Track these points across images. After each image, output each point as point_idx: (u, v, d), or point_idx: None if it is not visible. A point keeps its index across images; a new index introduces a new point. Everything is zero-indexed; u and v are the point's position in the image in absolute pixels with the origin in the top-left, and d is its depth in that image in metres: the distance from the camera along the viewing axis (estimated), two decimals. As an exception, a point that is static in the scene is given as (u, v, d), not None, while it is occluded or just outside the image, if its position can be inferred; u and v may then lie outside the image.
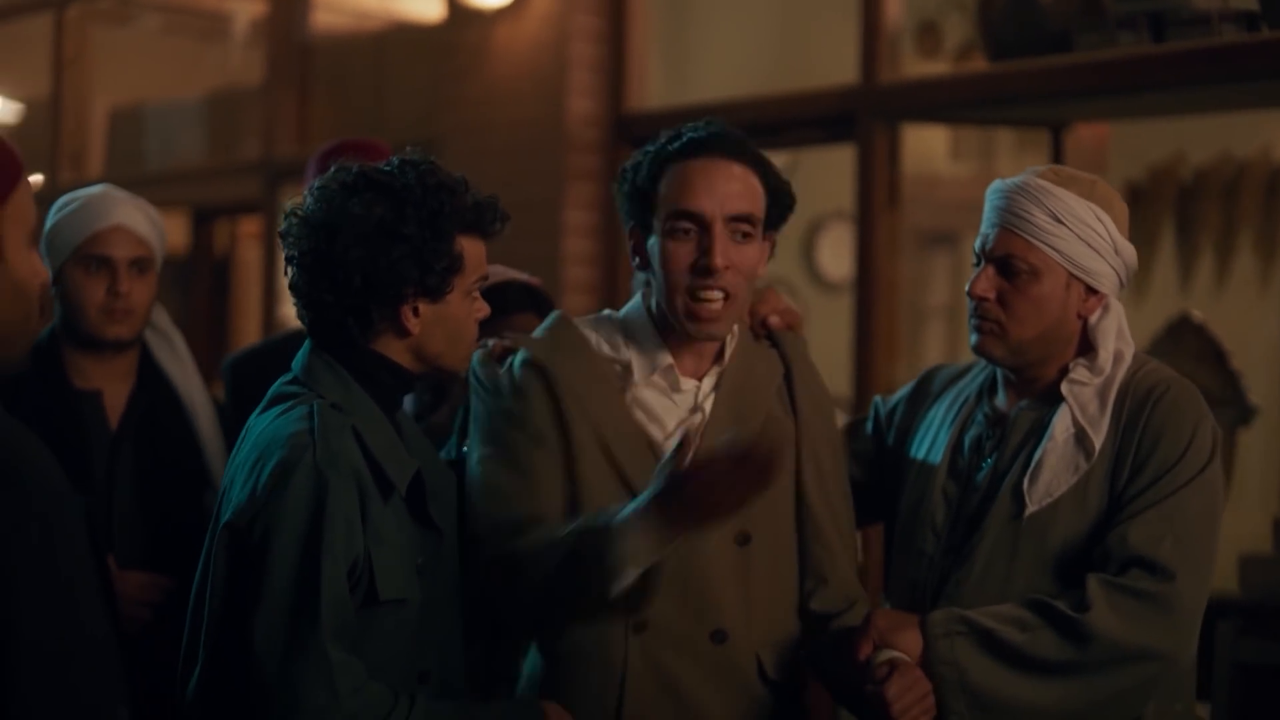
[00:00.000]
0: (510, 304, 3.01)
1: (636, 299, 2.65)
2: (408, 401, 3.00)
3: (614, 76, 5.52)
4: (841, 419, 3.00)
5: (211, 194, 7.71)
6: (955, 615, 2.47)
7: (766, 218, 2.56)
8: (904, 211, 4.91)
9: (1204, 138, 6.12)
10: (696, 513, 2.32)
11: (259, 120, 7.21)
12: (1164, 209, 6.44)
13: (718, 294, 2.51)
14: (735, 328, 2.64)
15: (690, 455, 2.30)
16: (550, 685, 2.56)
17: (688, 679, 2.53)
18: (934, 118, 5.24)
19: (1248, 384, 4.68)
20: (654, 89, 5.66)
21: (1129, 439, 2.52)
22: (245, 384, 3.31)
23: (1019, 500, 2.55)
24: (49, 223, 3.20)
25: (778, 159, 6.64)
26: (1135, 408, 2.53)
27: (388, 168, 2.38)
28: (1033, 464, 2.55)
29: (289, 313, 6.09)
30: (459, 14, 5.79)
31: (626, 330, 2.62)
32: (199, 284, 7.94)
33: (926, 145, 6.50)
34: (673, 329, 2.57)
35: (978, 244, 2.61)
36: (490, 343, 2.65)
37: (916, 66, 6.36)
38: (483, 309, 2.45)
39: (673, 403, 2.59)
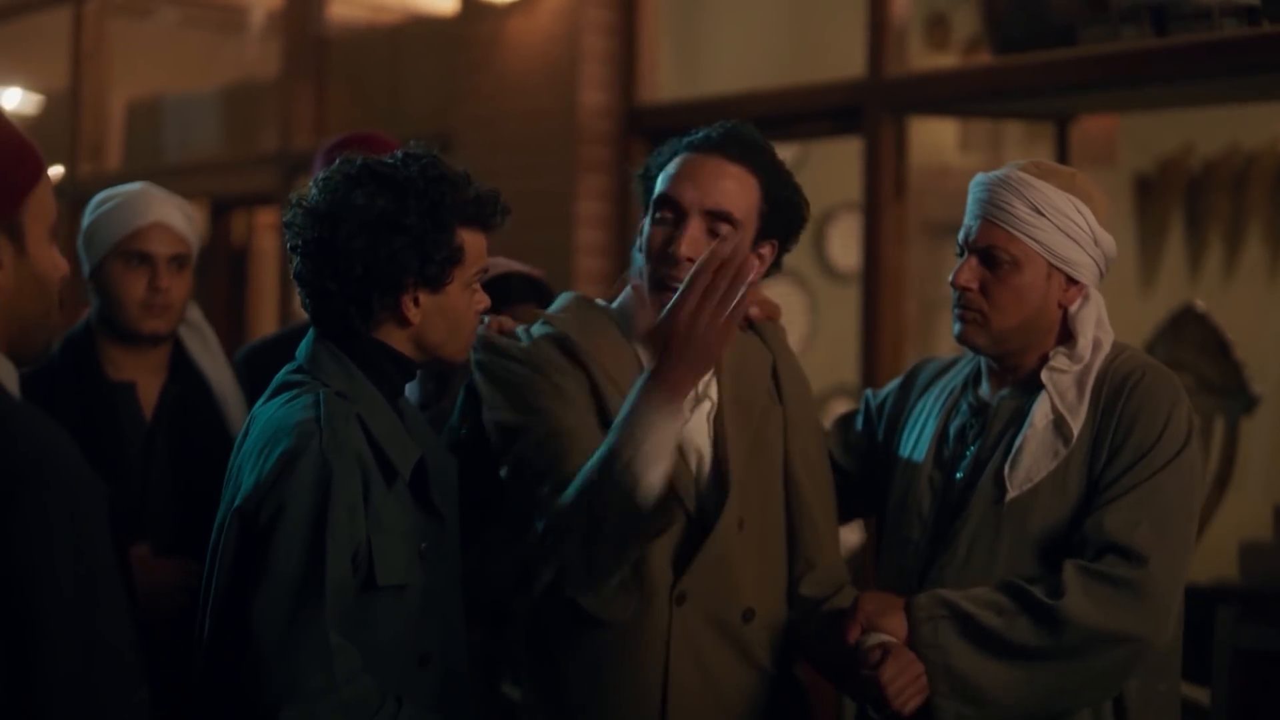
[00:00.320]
0: (512, 295, 3.04)
1: (628, 289, 2.67)
2: (413, 391, 3.05)
3: (625, 69, 5.54)
4: (847, 407, 3.05)
5: (229, 185, 7.73)
6: (938, 598, 2.51)
7: (764, 226, 2.58)
8: (911, 203, 4.94)
9: (1213, 129, 6.12)
10: (693, 348, 2.27)
11: (276, 112, 7.24)
12: (1173, 200, 6.46)
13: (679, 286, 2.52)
14: None
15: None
16: (589, 662, 2.56)
17: (718, 656, 2.58)
18: (940, 110, 5.24)
19: (1251, 373, 4.72)
20: (665, 82, 5.68)
21: (1106, 424, 2.55)
22: (260, 374, 3.35)
23: (1000, 486, 2.58)
24: (87, 219, 3.26)
25: (788, 151, 6.71)
26: (1112, 394, 2.57)
27: (391, 160, 2.42)
28: (1013, 450, 2.59)
29: (305, 303, 6.16)
30: (473, 8, 5.82)
31: (629, 320, 2.65)
32: (216, 274, 7.96)
33: (936, 137, 6.51)
34: None
35: (961, 235, 2.65)
36: (488, 319, 2.67)
37: (926, 59, 6.37)
38: (483, 300, 2.49)
39: None
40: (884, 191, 4.77)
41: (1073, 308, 2.62)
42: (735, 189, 2.56)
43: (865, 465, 2.86)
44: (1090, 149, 5.67)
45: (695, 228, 2.53)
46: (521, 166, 5.55)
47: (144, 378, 3.29)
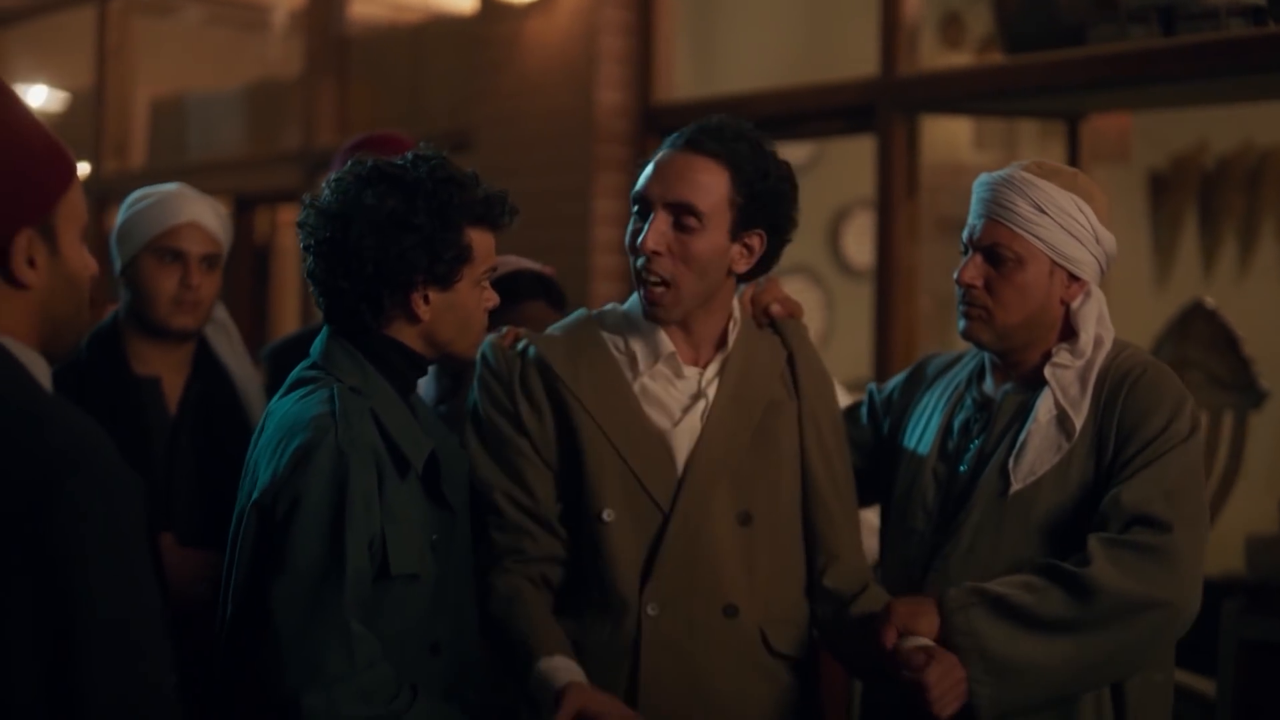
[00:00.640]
0: (521, 292, 3.08)
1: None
2: (430, 388, 3.11)
3: (642, 69, 5.58)
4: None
5: (252, 183, 7.75)
6: (968, 588, 2.53)
7: (741, 217, 2.60)
8: (925, 200, 4.98)
9: (1227, 127, 6.14)
10: None
11: (298, 110, 7.29)
12: (1187, 197, 6.48)
13: (654, 278, 2.59)
14: (737, 316, 2.72)
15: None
16: None
17: (701, 655, 2.61)
18: (951, 109, 5.27)
19: (1259, 369, 4.75)
20: (681, 81, 5.72)
21: (1108, 419, 2.59)
22: (284, 371, 3.41)
23: (1004, 479, 2.62)
24: (121, 215, 3.31)
25: (802, 149, 6.71)
26: (1113, 389, 2.60)
27: (401, 161, 2.46)
28: (1018, 444, 2.62)
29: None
30: (492, 8, 5.85)
31: (630, 321, 2.70)
32: (239, 271, 7.87)
33: (951, 135, 6.55)
34: None
35: (965, 234, 2.68)
36: (505, 329, 2.73)
37: (941, 57, 6.41)
38: (491, 298, 2.53)
39: (676, 390, 2.67)
40: (896, 189, 4.81)
41: (1075, 304, 2.66)
42: (701, 181, 2.58)
43: (869, 456, 2.90)
44: (1104, 146, 5.69)
45: (659, 221, 2.58)
46: (539, 165, 5.60)
47: (169, 373, 3.33)
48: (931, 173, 5.76)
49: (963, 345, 2.79)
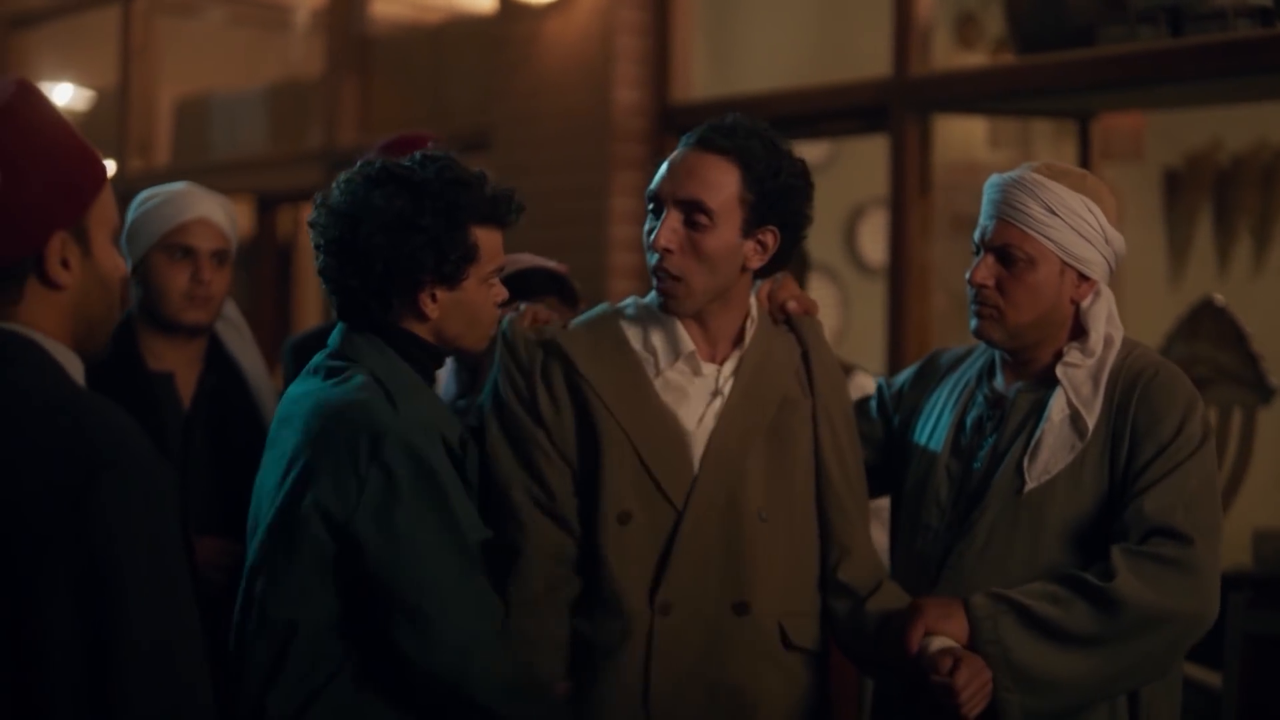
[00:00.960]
0: (534, 289, 3.09)
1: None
2: (450, 383, 3.15)
3: (659, 68, 5.61)
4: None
5: (274, 182, 7.76)
6: (995, 596, 2.56)
7: (752, 214, 2.63)
8: (940, 198, 5.01)
9: (1241, 125, 6.12)
10: None
11: (320, 110, 7.31)
12: (1201, 195, 6.47)
13: (665, 275, 2.63)
14: (755, 313, 2.74)
15: None
16: (580, 672, 2.64)
17: (712, 652, 2.63)
18: (963, 109, 5.31)
19: (1268, 366, 4.77)
20: (697, 80, 5.74)
21: (1122, 421, 2.62)
22: (306, 363, 3.49)
23: (1019, 477, 2.65)
24: (131, 215, 3.35)
25: (819, 148, 6.72)
26: (1126, 390, 2.63)
27: (409, 163, 2.51)
28: (1032, 443, 2.65)
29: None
30: (511, 8, 5.89)
31: (651, 316, 2.72)
32: (262, 268, 7.93)
33: (966, 134, 6.57)
34: None
35: (977, 235, 2.71)
36: (522, 307, 2.76)
37: (957, 57, 6.43)
38: (500, 294, 2.58)
39: (695, 387, 2.69)
40: (909, 188, 4.84)
41: (1084, 304, 2.69)
42: (711, 179, 2.61)
43: (880, 451, 2.92)
44: (1119, 145, 5.71)
45: (671, 218, 2.62)
46: (557, 163, 5.64)
47: (182, 369, 3.38)
48: (947, 171, 5.78)
49: (973, 341, 2.84)
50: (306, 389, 2.51)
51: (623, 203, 5.54)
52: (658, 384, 2.69)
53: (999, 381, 2.78)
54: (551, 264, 3.22)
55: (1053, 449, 2.65)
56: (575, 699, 2.63)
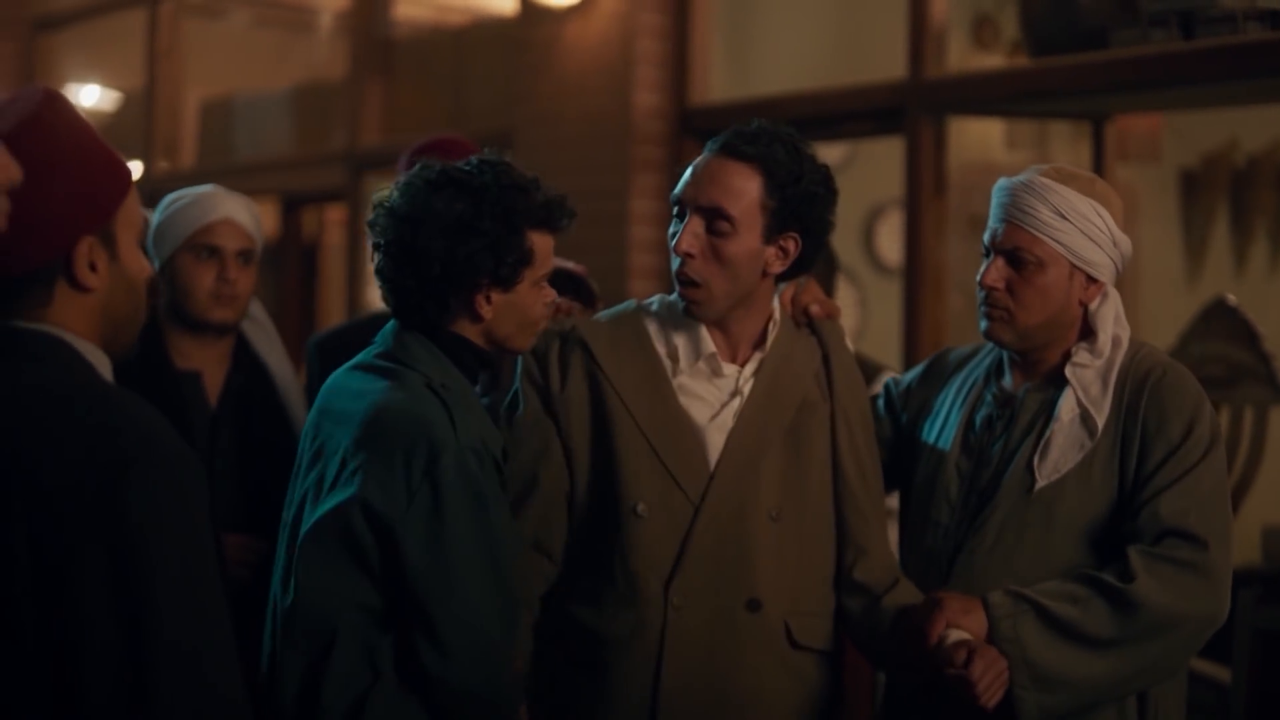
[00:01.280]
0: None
1: None
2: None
3: (678, 71, 5.63)
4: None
5: (299, 182, 7.80)
6: (1014, 594, 2.59)
7: (774, 220, 2.65)
8: (957, 199, 5.02)
9: (1257, 125, 6.14)
10: None
11: (344, 111, 7.33)
12: (1218, 195, 6.50)
13: (687, 279, 2.67)
14: (778, 317, 2.78)
15: None
16: (587, 664, 2.69)
17: (724, 648, 2.66)
18: (978, 111, 5.32)
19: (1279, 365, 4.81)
20: (716, 83, 5.76)
21: (1131, 422, 2.66)
22: (330, 360, 3.43)
23: (1030, 475, 2.69)
24: (157, 216, 3.40)
25: (837, 149, 6.74)
26: (1135, 391, 2.67)
27: (467, 167, 2.55)
28: (1042, 442, 2.69)
29: (372, 296, 6.29)
30: (532, 11, 5.91)
31: (674, 315, 2.76)
32: (288, 268, 8.01)
33: (983, 135, 6.59)
34: None
35: (986, 238, 2.75)
36: (558, 300, 2.80)
37: (973, 59, 6.46)
38: (549, 296, 2.62)
39: (714, 387, 2.73)
40: (924, 189, 4.85)
41: (1093, 305, 2.74)
42: (733, 185, 2.64)
43: (889, 448, 2.96)
44: (1135, 146, 5.73)
45: (693, 224, 2.65)
46: (577, 165, 5.66)
47: (209, 368, 3.42)
48: (964, 172, 5.81)
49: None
50: (360, 387, 2.53)
51: (642, 205, 5.56)
52: (676, 382, 2.72)
53: (1007, 381, 2.81)
54: (570, 265, 3.25)
55: (1063, 448, 2.69)
56: (579, 690, 2.67)
